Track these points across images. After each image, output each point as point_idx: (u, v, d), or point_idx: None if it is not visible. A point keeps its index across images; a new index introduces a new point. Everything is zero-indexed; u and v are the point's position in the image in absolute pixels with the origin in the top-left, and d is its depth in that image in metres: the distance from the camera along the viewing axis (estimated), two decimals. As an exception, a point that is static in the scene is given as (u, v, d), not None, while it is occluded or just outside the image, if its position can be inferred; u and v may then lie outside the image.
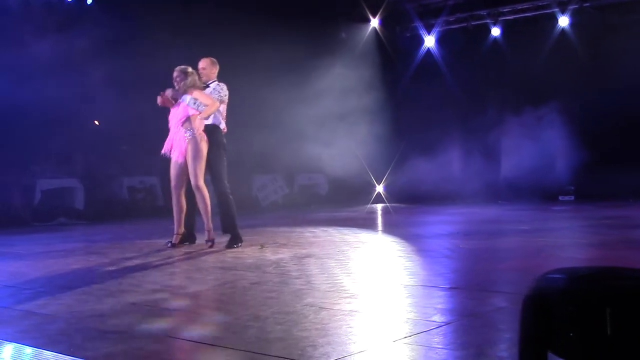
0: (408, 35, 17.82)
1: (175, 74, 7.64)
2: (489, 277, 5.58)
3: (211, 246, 7.57)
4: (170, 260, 6.74)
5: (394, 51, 17.50)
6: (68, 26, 12.60)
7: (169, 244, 7.69)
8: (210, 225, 7.65)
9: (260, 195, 15.68)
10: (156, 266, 6.32)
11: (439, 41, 17.19)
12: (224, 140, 7.81)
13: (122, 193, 13.58)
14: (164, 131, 7.79)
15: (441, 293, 4.81)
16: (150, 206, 13.57)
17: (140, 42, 12.63)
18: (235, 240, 7.61)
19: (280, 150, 14.39)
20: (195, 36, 12.22)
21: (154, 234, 9.25)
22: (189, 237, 7.95)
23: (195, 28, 12.81)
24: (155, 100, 7.75)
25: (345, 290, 4.82)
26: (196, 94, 7.56)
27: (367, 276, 5.60)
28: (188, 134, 7.50)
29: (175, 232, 7.74)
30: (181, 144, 7.55)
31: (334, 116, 14.83)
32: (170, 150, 7.64)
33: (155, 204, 13.70)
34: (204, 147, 7.53)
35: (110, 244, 8.40)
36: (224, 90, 7.82)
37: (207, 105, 7.50)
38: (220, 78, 7.95)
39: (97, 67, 12.68)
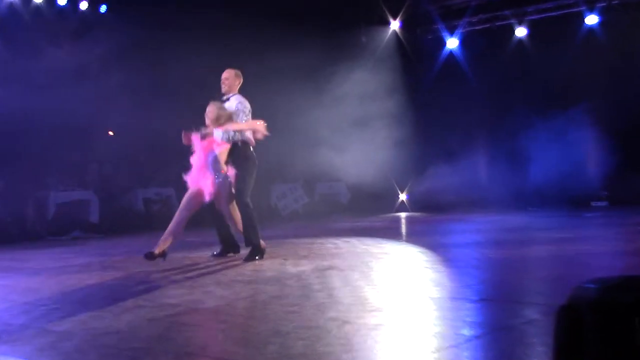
0: (430, 37, 17.77)
1: (208, 108, 7.64)
2: (520, 288, 5.52)
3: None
4: (188, 274, 6.74)
5: (415, 54, 17.46)
6: (82, 34, 12.73)
7: (144, 255, 7.37)
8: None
9: (279, 204, 15.69)
10: (174, 280, 6.33)
11: (461, 43, 17.14)
12: (254, 154, 7.86)
13: (137, 205, 13.65)
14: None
15: (470, 305, 4.76)
16: (167, 218, 13.57)
17: (155, 50, 12.72)
18: (255, 252, 7.63)
19: (299, 157, 14.41)
20: (211, 42, 12.27)
21: (172, 247, 9.27)
22: (232, 247, 8.07)
23: (211, 33, 12.88)
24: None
25: (369, 303, 4.79)
26: (228, 126, 7.57)
27: (392, 288, 5.57)
28: (218, 179, 7.53)
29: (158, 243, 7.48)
30: (209, 185, 7.54)
31: (355, 122, 14.81)
32: (194, 184, 7.63)
33: (171, 216, 13.67)
34: (231, 188, 7.64)
35: (126, 257, 8.44)
36: (247, 105, 7.84)
37: (242, 130, 7.58)
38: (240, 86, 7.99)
39: (111, 75, 12.79)
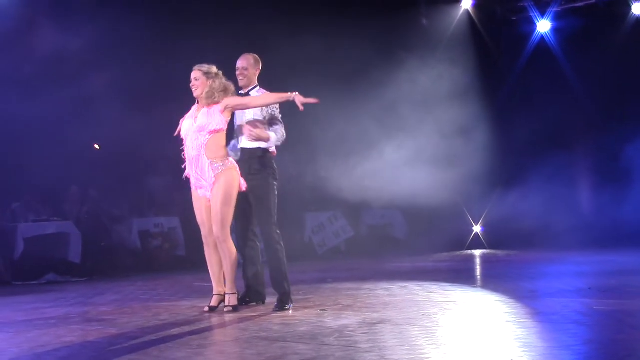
0: (514, 18, 17.72)
1: (193, 74, 7.69)
2: (638, 351, 5.47)
3: (230, 311, 7.62)
4: (198, 329, 6.77)
5: (493, 42, 17.42)
6: (59, 21, 12.84)
7: (207, 309, 7.70)
8: (233, 287, 7.70)
9: (315, 239, 15.70)
10: (179, 337, 6.36)
11: (557, 26, 17.04)
12: (275, 167, 7.92)
13: (132, 240, 13.73)
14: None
15: (568, 372, 4.73)
16: (170, 257, 13.68)
17: (155, 41, 12.80)
18: (285, 301, 7.64)
19: (341, 179, 14.40)
20: (226, 31, 12.34)
21: (176, 293, 9.34)
22: (256, 295, 8.10)
23: (227, 21, 12.96)
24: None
25: (434, 368, 4.78)
26: (230, 101, 7.61)
27: (462, 349, 5.54)
28: (217, 165, 7.57)
29: (213, 292, 7.79)
30: (206, 174, 7.59)
31: (413, 133, 14.79)
32: (190, 178, 7.70)
33: (175, 254, 13.82)
34: (237, 184, 7.62)
35: (117, 307, 8.50)
36: None
37: (266, 104, 7.69)
38: (262, 84, 8.06)
39: (98, 73, 12.87)
